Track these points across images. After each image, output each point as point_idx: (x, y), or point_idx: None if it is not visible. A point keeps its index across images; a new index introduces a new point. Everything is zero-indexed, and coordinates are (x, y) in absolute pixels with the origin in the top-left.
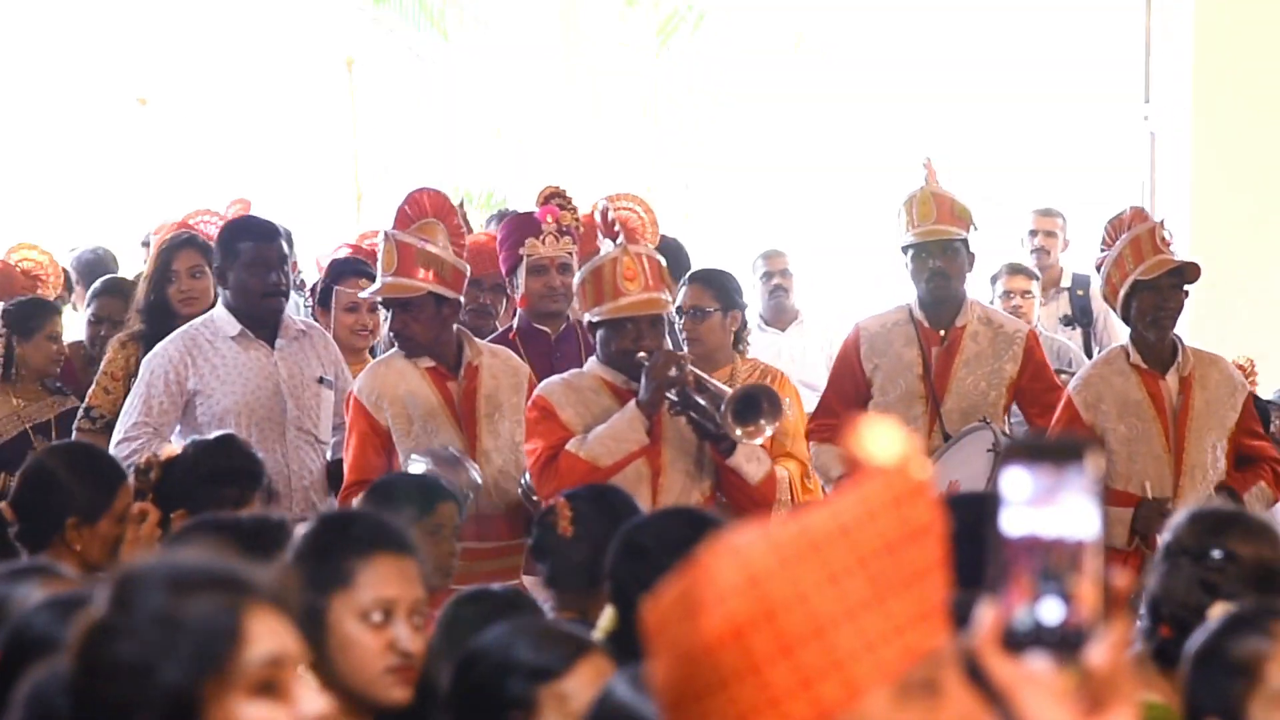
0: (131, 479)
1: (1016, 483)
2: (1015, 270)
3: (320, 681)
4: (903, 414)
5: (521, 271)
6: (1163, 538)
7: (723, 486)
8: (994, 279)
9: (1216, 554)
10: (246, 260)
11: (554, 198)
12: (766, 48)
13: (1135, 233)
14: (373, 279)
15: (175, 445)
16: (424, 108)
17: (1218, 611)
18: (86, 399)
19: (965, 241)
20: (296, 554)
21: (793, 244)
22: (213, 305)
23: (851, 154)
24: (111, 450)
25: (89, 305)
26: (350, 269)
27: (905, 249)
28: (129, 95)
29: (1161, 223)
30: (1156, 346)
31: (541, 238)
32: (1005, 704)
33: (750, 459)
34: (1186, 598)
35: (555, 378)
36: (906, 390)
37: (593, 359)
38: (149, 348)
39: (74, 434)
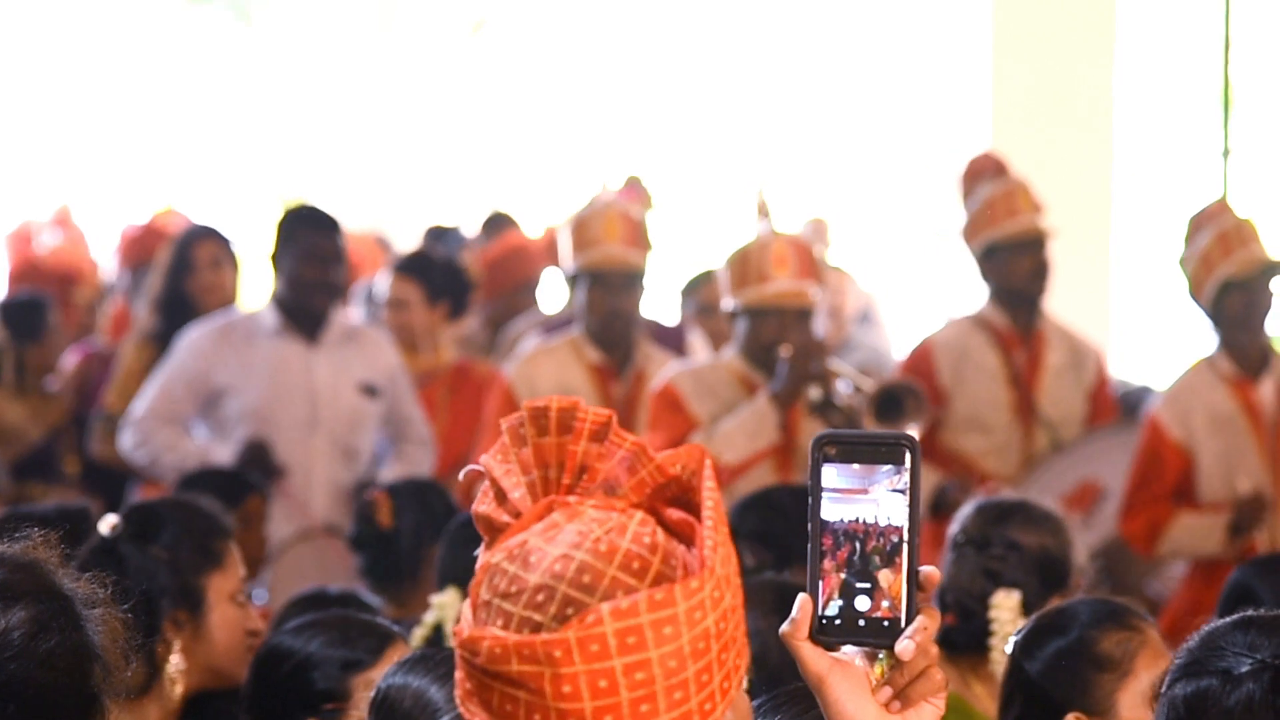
0: None
1: (832, 474)
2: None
3: (189, 661)
4: (991, 420)
5: None
6: (950, 529)
7: None
8: None
9: (1000, 543)
10: (304, 249)
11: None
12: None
13: (1222, 227)
14: (419, 275)
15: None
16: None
17: (1000, 599)
18: (106, 404)
19: None
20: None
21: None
22: (232, 300)
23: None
24: (125, 436)
25: None
26: (399, 263)
27: (996, 247)
28: None
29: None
30: (1248, 351)
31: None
32: (817, 693)
33: None
34: (970, 586)
35: (685, 366)
36: (992, 399)
37: (728, 349)
38: (164, 346)
39: (94, 442)
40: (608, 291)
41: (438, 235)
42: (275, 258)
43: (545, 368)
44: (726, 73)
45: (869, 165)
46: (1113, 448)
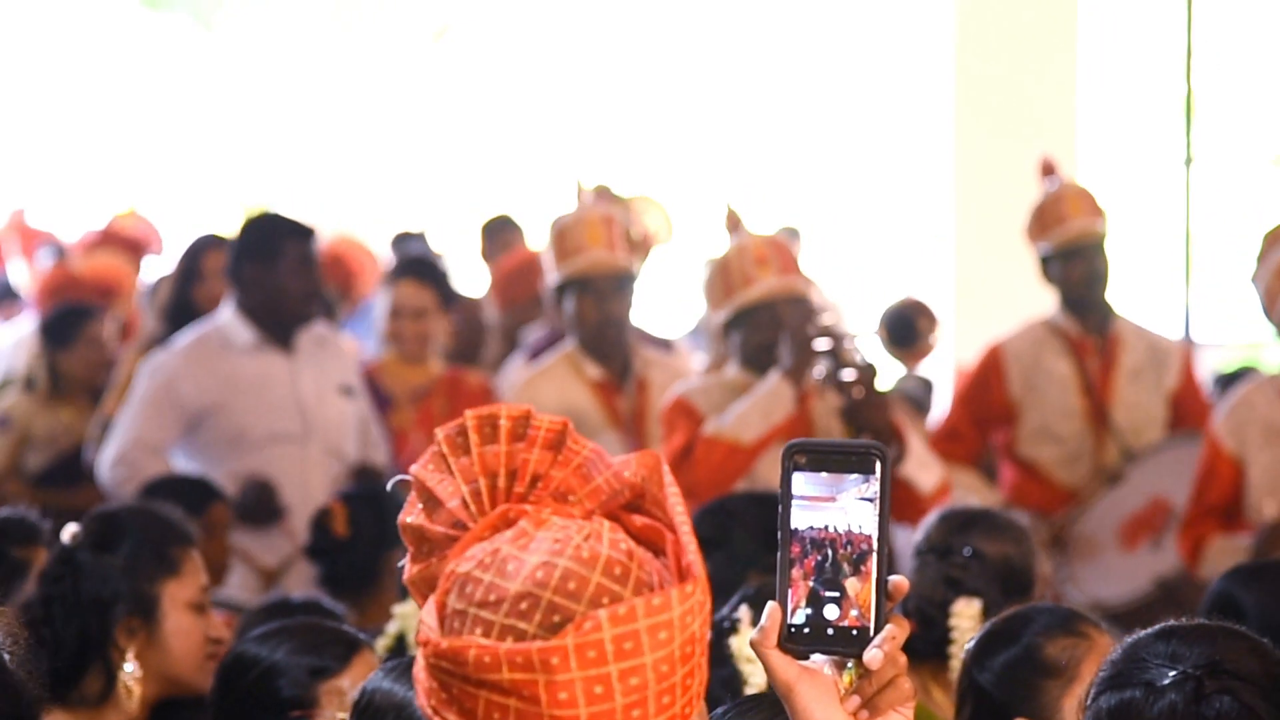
0: None
1: (801, 482)
2: None
3: (145, 668)
4: (1063, 429)
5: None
6: (914, 538)
7: None
8: None
9: (962, 551)
10: (293, 260)
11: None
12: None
13: None
14: (433, 281)
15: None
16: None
17: (961, 607)
18: (107, 411)
19: None
20: (103, 543)
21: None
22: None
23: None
24: (106, 471)
25: None
26: (406, 268)
27: (1056, 253)
28: None
29: None
30: None
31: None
32: (785, 702)
33: (922, 466)
34: (931, 593)
35: (693, 380)
36: (1063, 407)
37: (730, 366)
38: None
39: (91, 449)
40: (598, 298)
41: (403, 240)
42: (246, 268)
43: (546, 391)
44: (691, 77)
45: (833, 173)
46: (1183, 460)
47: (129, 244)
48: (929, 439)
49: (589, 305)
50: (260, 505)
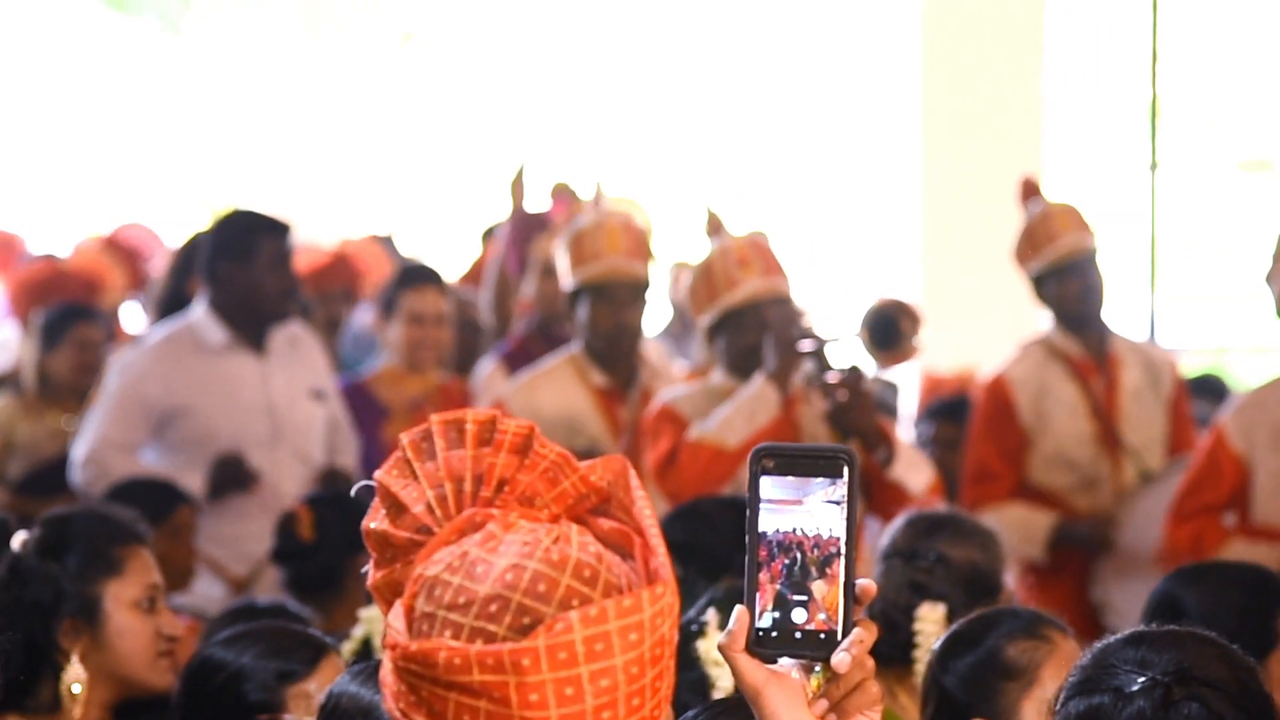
0: None
1: (769, 486)
2: None
3: (90, 670)
4: (1076, 454)
5: (531, 273)
6: (880, 542)
7: (876, 503)
8: None
9: (928, 555)
10: (270, 258)
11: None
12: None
13: None
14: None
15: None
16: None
17: (926, 611)
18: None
19: None
20: (52, 547)
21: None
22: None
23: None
24: (77, 472)
25: None
26: (423, 275)
27: (1050, 271)
28: None
29: None
30: None
31: (553, 235)
32: (753, 706)
33: (912, 467)
34: (896, 598)
35: (678, 387)
36: (1075, 433)
37: (715, 373)
38: None
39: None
40: (613, 305)
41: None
42: (220, 265)
43: (546, 393)
44: (660, 83)
45: (799, 181)
46: None
47: (126, 251)
48: (963, 489)
49: (603, 312)
50: (230, 476)
